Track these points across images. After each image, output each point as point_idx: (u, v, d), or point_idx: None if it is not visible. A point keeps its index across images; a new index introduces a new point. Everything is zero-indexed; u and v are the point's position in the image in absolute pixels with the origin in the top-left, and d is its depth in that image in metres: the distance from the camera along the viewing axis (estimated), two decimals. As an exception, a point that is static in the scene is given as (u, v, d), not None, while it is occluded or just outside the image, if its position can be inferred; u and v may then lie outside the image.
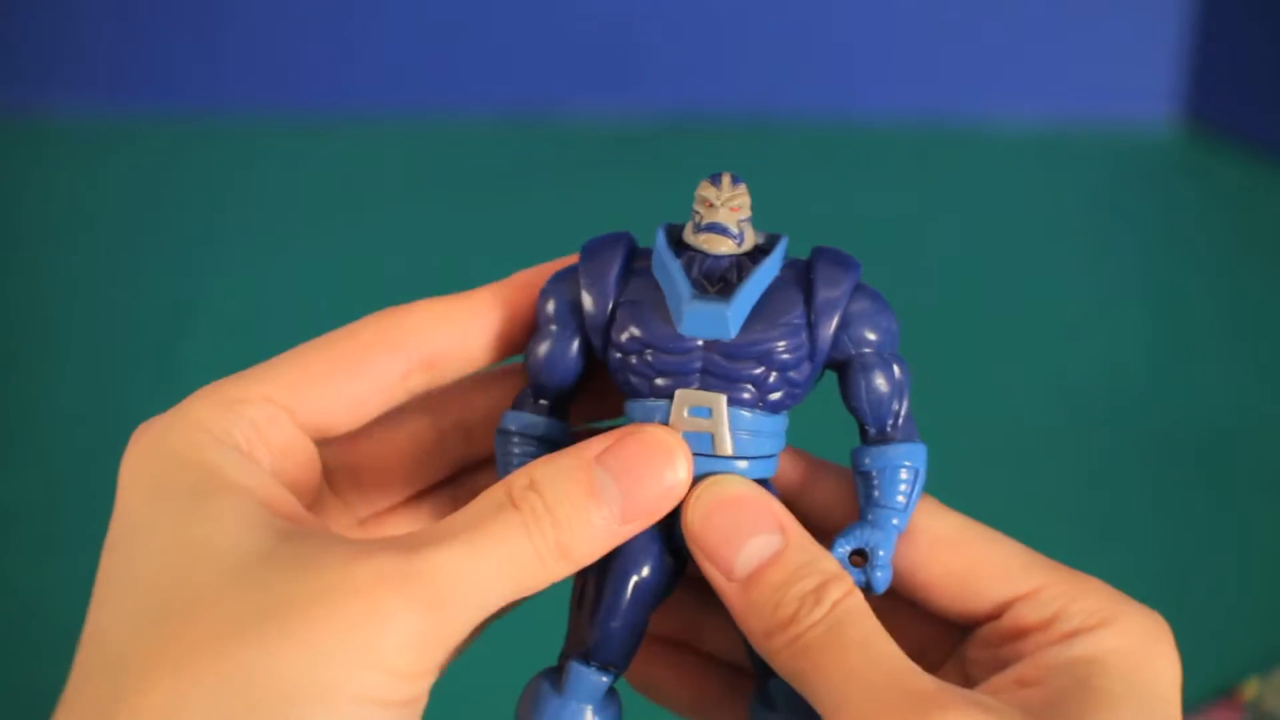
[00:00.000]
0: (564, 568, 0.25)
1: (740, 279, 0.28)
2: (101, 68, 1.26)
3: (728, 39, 1.28)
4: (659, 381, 0.27)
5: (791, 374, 0.27)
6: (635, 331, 0.27)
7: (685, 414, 0.27)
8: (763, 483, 0.28)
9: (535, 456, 0.28)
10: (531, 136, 1.20)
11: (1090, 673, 0.24)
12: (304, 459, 0.27)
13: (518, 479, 0.25)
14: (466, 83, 1.25)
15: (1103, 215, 1.09)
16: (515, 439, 0.29)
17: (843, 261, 0.29)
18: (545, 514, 0.24)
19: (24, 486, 0.67)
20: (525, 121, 1.23)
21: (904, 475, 0.28)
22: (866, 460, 0.28)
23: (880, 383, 0.28)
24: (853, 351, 0.28)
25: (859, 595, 0.25)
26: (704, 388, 0.27)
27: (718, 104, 1.28)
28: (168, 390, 0.81)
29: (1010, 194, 1.12)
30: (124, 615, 0.23)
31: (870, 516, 0.27)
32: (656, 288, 0.28)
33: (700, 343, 0.27)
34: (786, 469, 0.29)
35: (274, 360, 0.27)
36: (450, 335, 0.28)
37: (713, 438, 0.27)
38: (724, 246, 0.28)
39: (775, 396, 0.27)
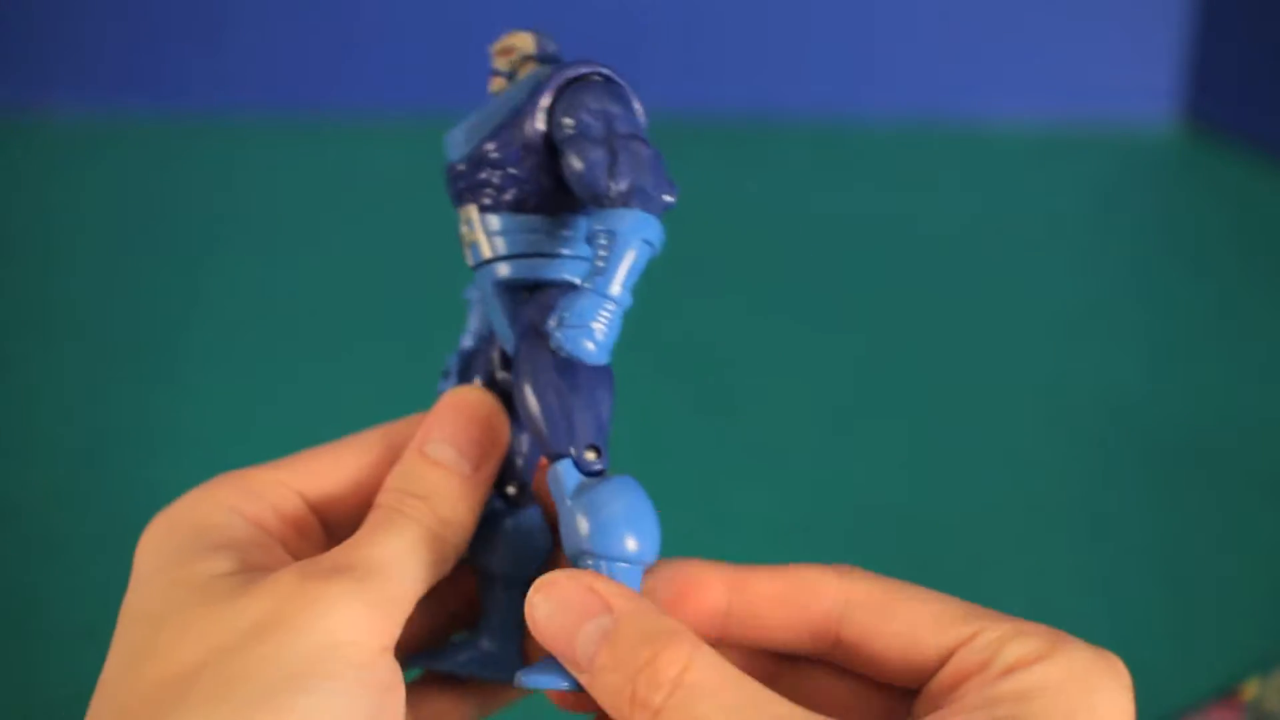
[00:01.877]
0: (454, 533, 0.28)
1: None
2: (101, 68, 1.26)
3: (728, 39, 1.28)
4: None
5: (511, 170, 0.29)
6: None
7: (462, 231, 0.30)
8: (540, 284, 0.29)
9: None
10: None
11: (1019, 710, 0.24)
12: (309, 531, 0.31)
13: (384, 493, 0.29)
14: (467, 83, 1.24)
15: (1103, 215, 1.09)
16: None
17: (565, 66, 0.29)
18: (416, 503, 0.28)
19: (23, 486, 0.67)
20: (525, 121, 1.23)
21: (601, 239, 0.27)
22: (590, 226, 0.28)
23: (575, 160, 0.27)
24: (557, 135, 0.28)
25: (698, 652, 0.24)
26: (463, 204, 0.30)
27: (718, 104, 1.28)
28: (168, 389, 0.81)
29: (1010, 194, 1.12)
30: (115, 655, 0.27)
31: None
32: None
33: (459, 168, 0.29)
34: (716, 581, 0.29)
35: (297, 454, 0.31)
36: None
37: (477, 245, 0.29)
38: (496, 85, 0.31)
39: (509, 195, 0.29)
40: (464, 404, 0.30)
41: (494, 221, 0.29)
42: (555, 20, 1.44)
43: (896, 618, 0.27)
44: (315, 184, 1.12)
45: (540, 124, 0.28)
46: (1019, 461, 0.71)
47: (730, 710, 0.23)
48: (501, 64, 0.30)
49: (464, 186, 0.29)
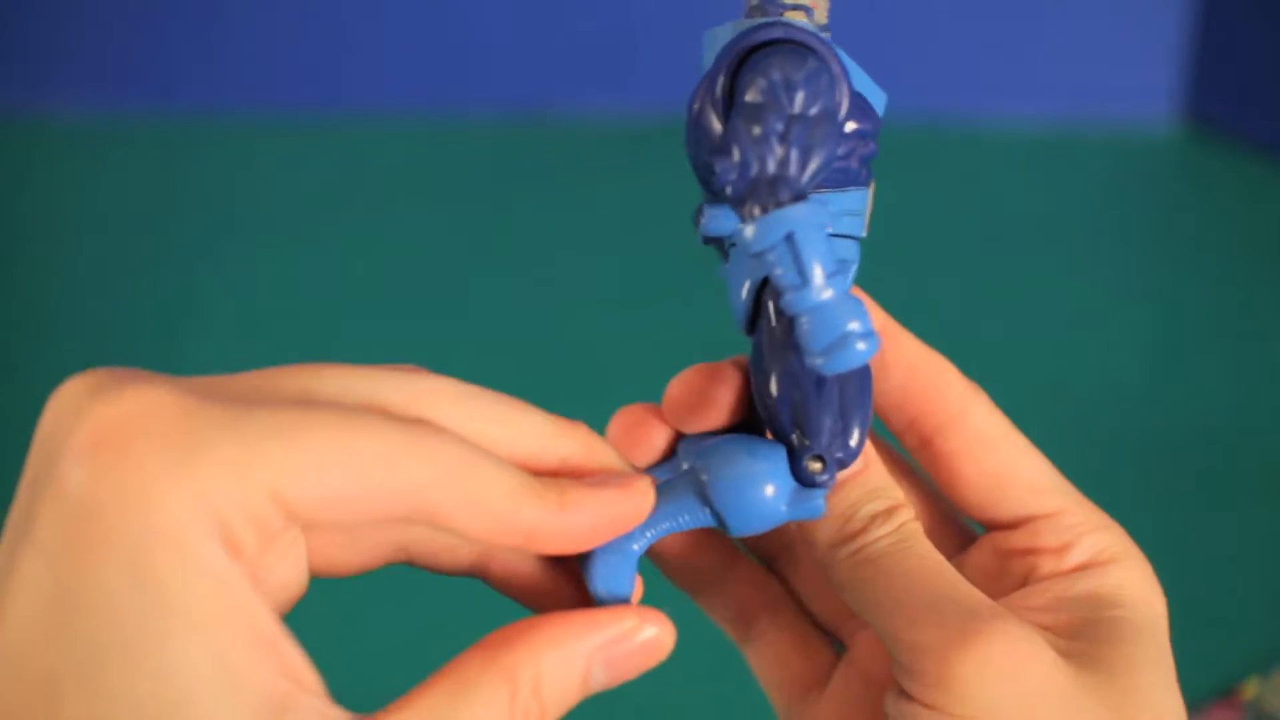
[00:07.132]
0: None
1: None
2: (101, 68, 1.26)
3: (728, 39, 1.28)
4: None
5: None
6: None
7: None
8: None
9: None
10: (531, 136, 1.20)
11: (1110, 609, 0.25)
12: (292, 555, 0.24)
13: (523, 675, 0.23)
14: (466, 83, 1.24)
15: (1103, 215, 1.09)
16: None
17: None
18: (533, 701, 0.23)
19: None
20: (525, 121, 1.23)
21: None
22: None
23: None
24: None
25: (921, 525, 0.26)
26: None
27: (718, 104, 1.27)
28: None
29: (1010, 194, 1.12)
30: None
31: None
32: None
33: None
34: None
35: (283, 427, 0.21)
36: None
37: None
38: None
39: None
40: (659, 654, 0.25)
41: None
42: (555, 20, 1.44)
43: (994, 457, 0.27)
44: (314, 184, 1.12)
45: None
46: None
47: (941, 556, 0.25)
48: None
49: None
